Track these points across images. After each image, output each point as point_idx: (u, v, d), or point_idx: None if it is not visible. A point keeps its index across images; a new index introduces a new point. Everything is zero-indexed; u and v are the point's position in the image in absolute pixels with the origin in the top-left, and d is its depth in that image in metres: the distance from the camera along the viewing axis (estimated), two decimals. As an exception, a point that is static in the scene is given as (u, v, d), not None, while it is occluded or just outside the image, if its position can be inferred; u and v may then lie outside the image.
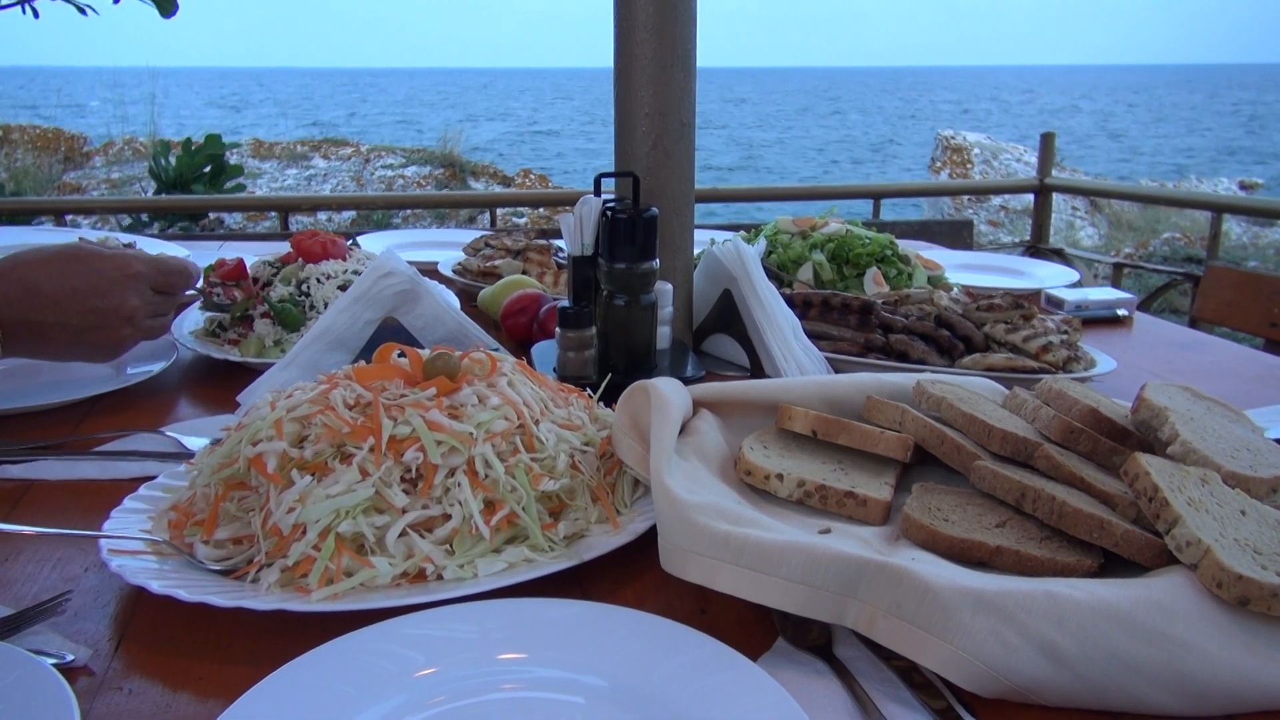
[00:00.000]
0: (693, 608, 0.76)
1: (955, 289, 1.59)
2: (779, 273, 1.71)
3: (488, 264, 1.78)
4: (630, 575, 0.81)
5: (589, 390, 1.01)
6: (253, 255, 1.65)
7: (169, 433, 1.07)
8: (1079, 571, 0.71)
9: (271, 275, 1.43)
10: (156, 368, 1.27)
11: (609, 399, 0.99)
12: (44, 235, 1.49)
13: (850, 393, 0.96)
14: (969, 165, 10.24)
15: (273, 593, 0.72)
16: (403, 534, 0.76)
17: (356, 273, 1.42)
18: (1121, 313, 1.74)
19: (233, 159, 6.80)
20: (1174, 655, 0.62)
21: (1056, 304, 1.74)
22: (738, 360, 1.35)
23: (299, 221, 6.82)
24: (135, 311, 1.13)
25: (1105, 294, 1.78)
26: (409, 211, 6.83)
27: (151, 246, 1.75)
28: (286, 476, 0.77)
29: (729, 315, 1.35)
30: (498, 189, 9.24)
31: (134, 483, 0.94)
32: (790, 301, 1.36)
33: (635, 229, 1.15)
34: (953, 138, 10.83)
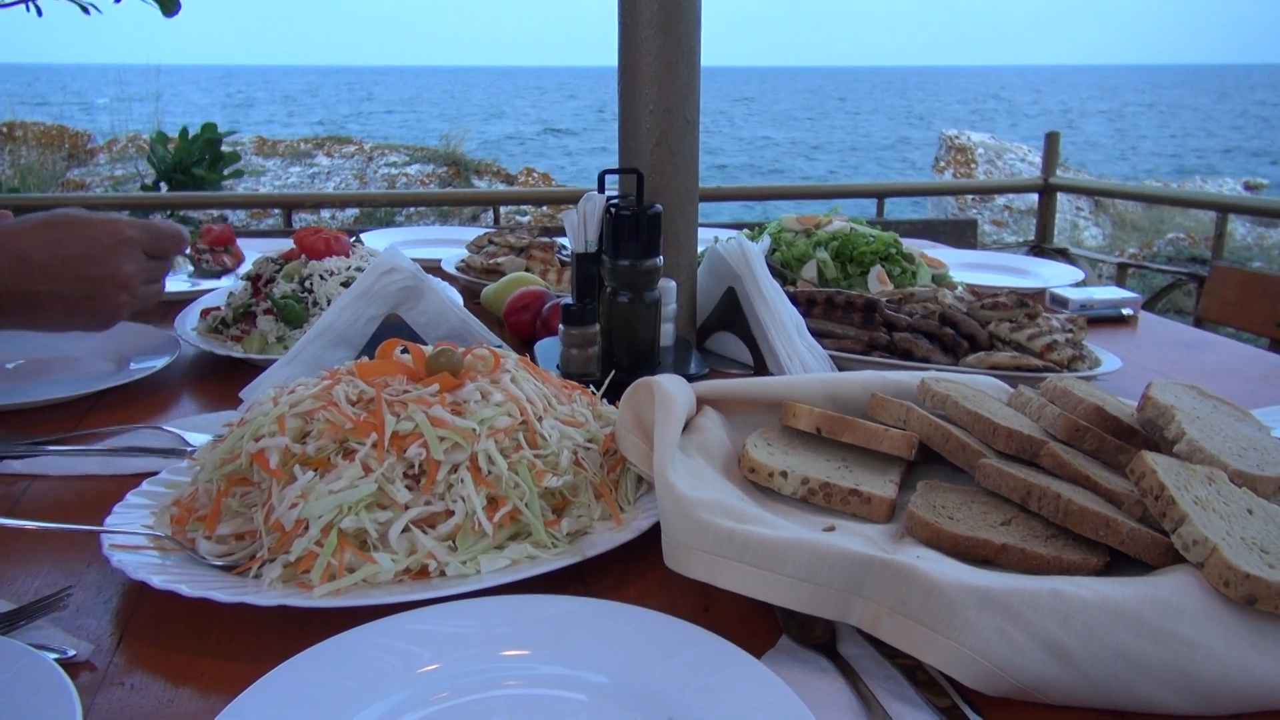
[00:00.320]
0: (696, 605, 0.75)
1: (960, 287, 1.58)
2: (783, 270, 1.71)
3: (491, 261, 1.78)
4: (633, 572, 0.80)
5: (592, 387, 1.01)
6: (256, 252, 1.65)
7: (171, 428, 1.07)
8: (1085, 570, 0.71)
9: (274, 272, 1.43)
10: (159, 364, 1.27)
11: (612, 396, 0.99)
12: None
13: (855, 390, 0.96)
14: (973, 165, 10.23)
15: (275, 588, 0.72)
16: (405, 530, 0.75)
17: (359, 269, 1.42)
18: (1126, 312, 1.73)
19: (229, 148, 6.79)
20: (1180, 654, 0.62)
21: (1061, 303, 1.74)
22: (741, 358, 1.35)
23: (302, 219, 6.82)
24: (130, 278, 1.09)
25: (1110, 293, 1.78)
26: (412, 209, 6.83)
27: None
28: (289, 472, 0.77)
29: (733, 313, 1.34)
30: (501, 187, 9.24)
31: (136, 478, 0.94)
32: (794, 299, 1.35)
33: (639, 226, 1.15)
34: (957, 137, 10.81)
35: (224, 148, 6.44)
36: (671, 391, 0.86)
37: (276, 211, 6.16)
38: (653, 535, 0.78)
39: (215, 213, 6.20)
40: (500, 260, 1.77)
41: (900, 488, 0.85)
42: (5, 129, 9.62)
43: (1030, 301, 1.40)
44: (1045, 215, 4.11)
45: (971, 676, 0.62)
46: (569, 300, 1.21)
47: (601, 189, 1.20)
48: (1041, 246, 3.94)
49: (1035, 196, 4.27)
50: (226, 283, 1.72)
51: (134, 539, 0.78)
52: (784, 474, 0.83)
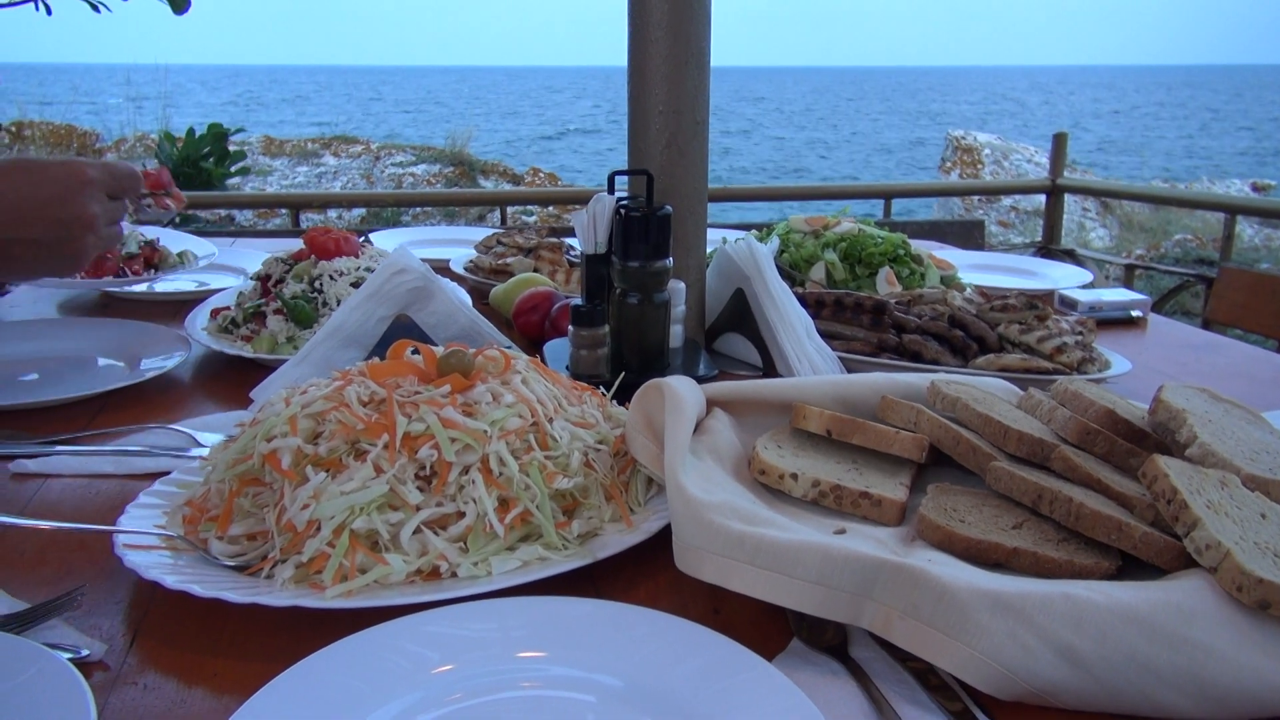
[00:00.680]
0: (706, 607, 0.75)
1: (968, 289, 1.58)
2: (791, 272, 1.71)
3: (499, 262, 1.78)
4: (644, 574, 0.80)
5: (602, 388, 1.01)
6: (265, 251, 1.66)
7: (182, 428, 1.07)
8: (1097, 574, 0.71)
9: (284, 272, 1.43)
10: (170, 363, 1.27)
11: (622, 397, 0.99)
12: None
13: (864, 392, 0.96)
14: (980, 165, 10.21)
15: (287, 589, 0.72)
16: (417, 531, 0.76)
17: (369, 270, 1.42)
18: (1135, 314, 1.73)
19: (235, 147, 6.82)
20: (1193, 659, 0.61)
21: (1070, 305, 1.73)
22: (750, 359, 1.35)
23: (310, 218, 6.83)
24: (95, 219, 1.06)
25: (1119, 295, 1.77)
26: (418, 209, 6.84)
27: (162, 238, 1.75)
28: (301, 473, 0.77)
29: (742, 314, 1.34)
30: (507, 187, 9.25)
31: (148, 478, 0.94)
32: (803, 301, 1.35)
33: (649, 227, 1.15)
34: (963, 138, 10.79)
35: (230, 146, 6.47)
36: (682, 393, 0.86)
37: (284, 211, 6.18)
38: (663, 537, 0.78)
39: (223, 212, 6.21)
40: (509, 261, 1.77)
41: (911, 490, 0.85)
42: (14, 128, 9.66)
43: (1039, 303, 1.40)
44: (1053, 216, 4.10)
45: (984, 680, 0.62)
46: (578, 301, 1.21)
47: (611, 190, 1.20)
48: (1049, 248, 3.93)
49: (1042, 197, 4.26)
50: (169, 231, 1.71)
51: (146, 539, 0.78)
52: (794, 476, 0.83)
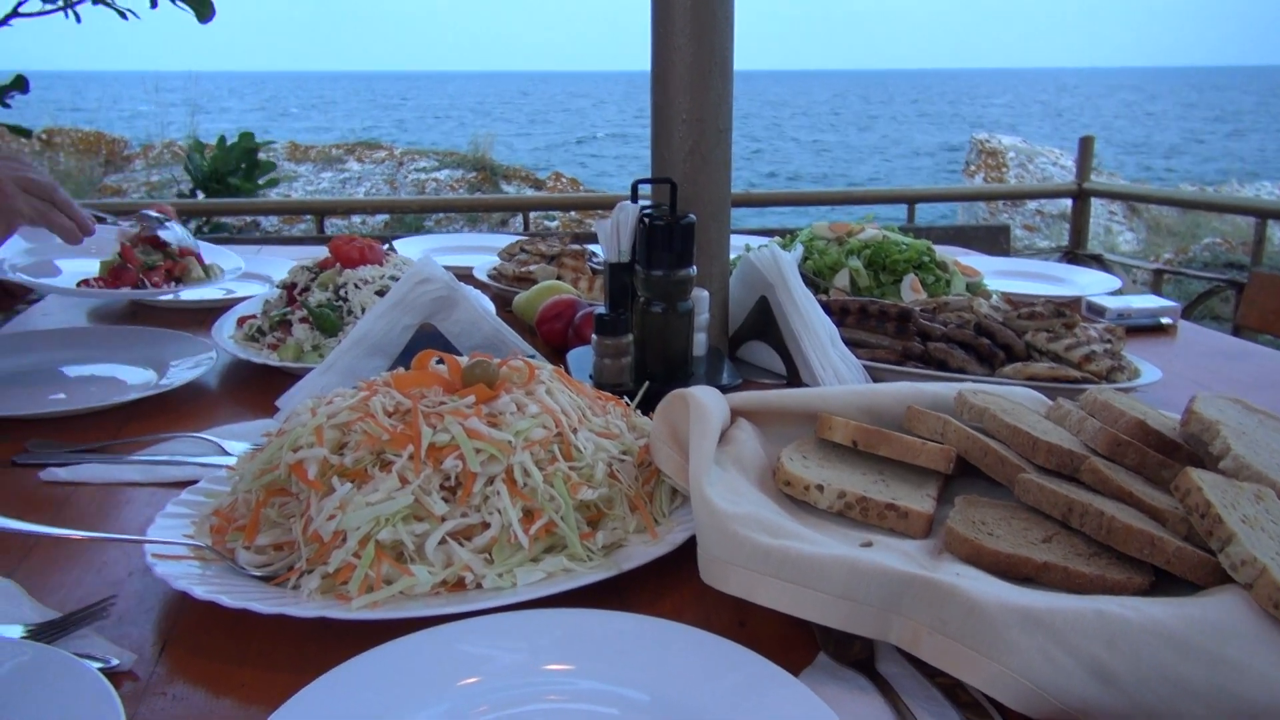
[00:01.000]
0: (732, 620, 0.75)
1: (994, 296, 1.57)
2: (815, 279, 1.70)
3: (522, 269, 1.78)
4: (668, 586, 0.80)
5: (626, 398, 1.01)
6: (291, 259, 1.67)
7: (209, 436, 1.08)
8: (1129, 589, 0.70)
9: (310, 280, 1.44)
10: (197, 372, 1.28)
11: (646, 406, 0.99)
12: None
13: (890, 402, 0.95)
14: (1004, 169, 10.13)
15: (313, 600, 0.73)
16: (442, 542, 0.76)
17: (394, 278, 1.43)
18: (1165, 321, 1.71)
19: (265, 157, 6.90)
20: (1229, 678, 0.60)
21: (1098, 312, 1.71)
22: (774, 368, 1.34)
23: (334, 224, 6.89)
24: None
25: (1148, 301, 1.75)
26: (441, 214, 6.88)
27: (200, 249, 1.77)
28: (327, 483, 0.77)
29: (765, 322, 1.34)
30: (529, 192, 9.28)
31: (176, 486, 0.95)
32: (827, 308, 1.34)
33: (673, 236, 1.15)
34: (987, 141, 10.72)
35: (260, 155, 6.54)
36: (706, 404, 0.85)
37: (309, 217, 6.23)
38: (688, 548, 0.78)
39: (249, 219, 6.27)
40: (532, 268, 1.77)
41: (938, 502, 0.84)
42: (44, 136, 9.81)
43: (1067, 311, 1.39)
44: (1079, 221, 4.06)
45: (1014, 698, 0.61)
46: (601, 309, 1.21)
47: (635, 199, 1.20)
48: (1075, 252, 3.89)
49: (1068, 201, 4.22)
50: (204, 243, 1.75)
51: (175, 549, 0.78)
52: (820, 487, 0.83)
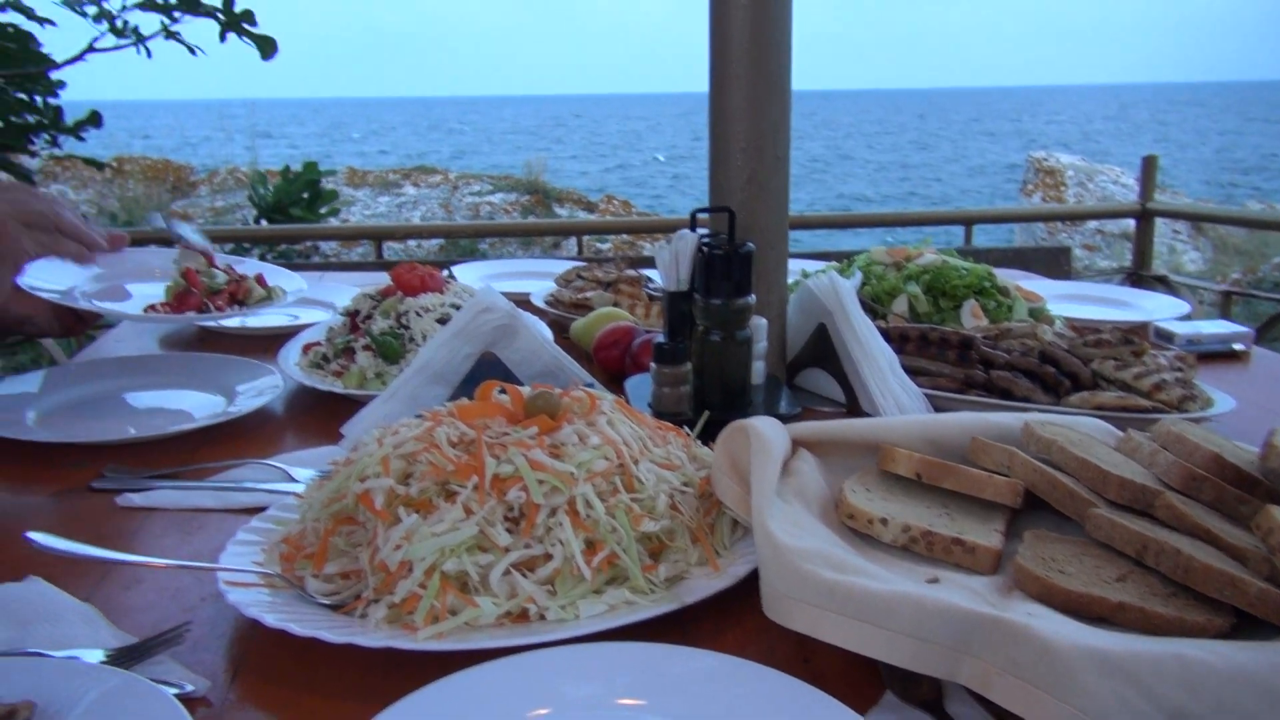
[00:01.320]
0: (796, 656, 0.74)
1: (1058, 322, 1.54)
2: (873, 305, 1.68)
3: (579, 295, 1.80)
4: (731, 619, 0.80)
5: (686, 427, 1.01)
6: (353, 286, 1.70)
7: (277, 463, 1.10)
8: (1209, 632, 0.68)
9: (372, 308, 1.47)
10: (265, 399, 1.32)
11: (706, 436, 0.99)
12: (150, 255, 1.61)
13: (953, 433, 0.94)
14: (1062, 188, 9.96)
15: (380, 629, 0.73)
16: (506, 573, 0.76)
17: (455, 306, 1.45)
18: (1238, 347, 1.66)
19: (328, 185, 7.06)
20: (1318, 727, 0.58)
21: (1167, 338, 1.67)
22: (833, 395, 1.33)
23: (391, 248, 7.02)
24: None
25: (1219, 327, 1.70)
26: (495, 239, 6.97)
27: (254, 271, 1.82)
28: (393, 513, 0.79)
29: (824, 350, 1.33)
30: (582, 215, 9.36)
31: (246, 512, 0.97)
32: (886, 335, 1.33)
33: (731, 265, 1.15)
34: (1045, 159, 10.56)
35: (323, 184, 6.69)
36: (767, 435, 0.85)
37: (366, 241, 6.35)
38: (750, 581, 0.77)
39: (310, 244, 6.41)
40: (589, 295, 1.79)
41: (1005, 536, 0.83)
42: (115, 163, 10.16)
43: (1135, 338, 1.35)
44: (1143, 241, 3.97)
45: (1090, 743, 0.59)
46: (660, 337, 1.22)
47: (693, 227, 1.20)
48: (1139, 274, 3.80)
49: (1131, 221, 4.14)
50: (268, 265, 1.80)
51: (246, 576, 0.80)
52: (884, 521, 0.82)
